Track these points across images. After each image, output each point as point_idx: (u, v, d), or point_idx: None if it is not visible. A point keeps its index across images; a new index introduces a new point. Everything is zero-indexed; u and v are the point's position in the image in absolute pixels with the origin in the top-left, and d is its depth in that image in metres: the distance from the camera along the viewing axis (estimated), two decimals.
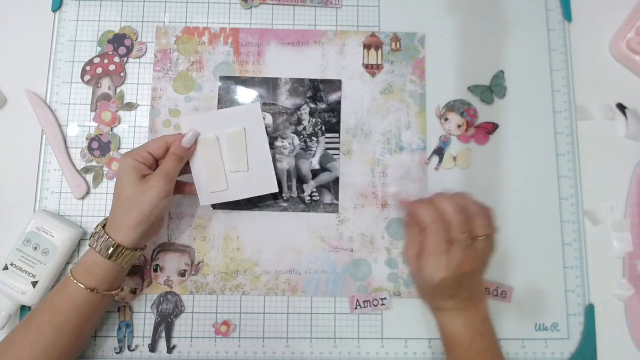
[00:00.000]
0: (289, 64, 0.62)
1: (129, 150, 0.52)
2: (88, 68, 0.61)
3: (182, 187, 0.55)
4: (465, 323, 0.48)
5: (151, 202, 0.49)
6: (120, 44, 0.62)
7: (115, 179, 0.52)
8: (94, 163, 0.60)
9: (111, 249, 0.49)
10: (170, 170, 0.51)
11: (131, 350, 0.56)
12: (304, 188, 0.60)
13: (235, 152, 0.54)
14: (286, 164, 0.60)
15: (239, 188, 0.55)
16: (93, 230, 0.51)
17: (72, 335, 0.49)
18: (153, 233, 0.54)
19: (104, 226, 0.50)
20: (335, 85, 0.62)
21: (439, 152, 0.61)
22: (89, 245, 0.50)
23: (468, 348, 0.48)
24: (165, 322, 0.57)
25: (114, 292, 0.52)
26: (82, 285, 0.49)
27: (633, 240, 0.59)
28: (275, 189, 0.55)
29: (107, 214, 0.58)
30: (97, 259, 0.49)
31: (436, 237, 0.47)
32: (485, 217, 0.48)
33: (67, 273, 0.50)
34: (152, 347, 0.56)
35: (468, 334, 0.48)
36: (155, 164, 0.52)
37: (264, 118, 0.54)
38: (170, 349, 0.57)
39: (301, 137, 0.60)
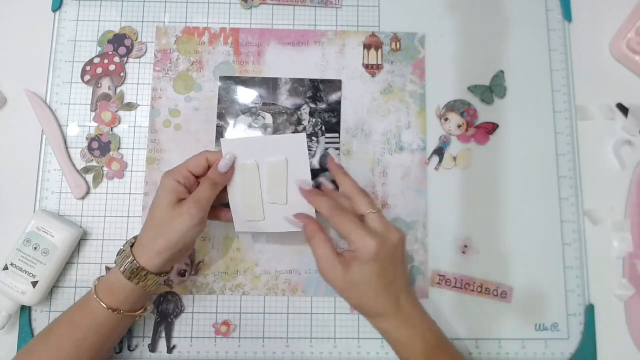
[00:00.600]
0: (289, 64, 0.62)
1: (168, 169, 0.50)
2: (88, 68, 0.61)
3: (218, 212, 0.53)
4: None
5: (180, 230, 0.47)
6: (120, 44, 0.62)
7: (153, 197, 0.50)
8: (94, 163, 0.60)
9: (134, 272, 0.48)
10: (203, 196, 0.49)
11: (131, 350, 0.56)
12: None
13: (274, 183, 0.51)
14: None
15: (276, 221, 0.53)
16: (121, 247, 0.50)
17: (91, 351, 0.49)
18: (181, 258, 0.52)
19: (132, 245, 0.49)
20: (335, 85, 0.62)
21: (439, 152, 0.61)
22: (115, 263, 0.49)
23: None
24: (165, 322, 0.57)
25: (136, 313, 0.50)
26: (104, 305, 0.48)
27: (633, 240, 0.59)
28: None
29: (107, 214, 0.59)
30: (120, 278, 0.48)
31: (351, 215, 0.49)
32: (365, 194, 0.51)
33: (91, 288, 0.49)
34: (152, 347, 0.56)
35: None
36: (196, 183, 0.51)
37: (307, 142, 0.51)
38: (170, 349, 0.57)
39: None
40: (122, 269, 0.48)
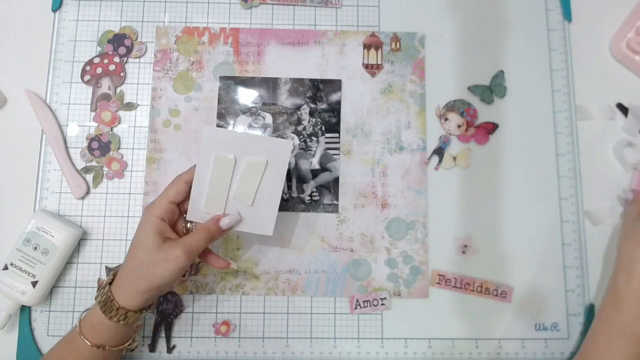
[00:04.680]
0: (289, 64, 0.62)
1: (149, 203, 0.49)
2: (88, 68, 0.61)
3: (205, 254, 0.51)
4: None
5: (163, 276, 0.46)
6: (120, 44, 0.62)
7: (134, 234, 0.49)
8: (94, 163, 0.60)
9: (114, 311, 0.47)
10: (196, 247, 0.47)
11: (131, 350, 0.56)
12: (304, 188, 0.60)
13: (246, 182, 0.50)
14: None
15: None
16: (100, 283, 0.49)
17: None
18: (162, 294, 0.51)
19: (111, 282, 0.48)
20: (335, 85, 0.62)
21: (439, 152, 0.61)
22: (94, 299, 0.49)
23: None
24: (165, 322, 0.57)
25: (122, 347, 0.49)
26: (88, 343, 0.47)
27: None
28: (270, 233, 0.51)
29: (107, 214, 0.59)
30: (101, 318, 0.47)
31: None
32: None
33: (77, 324, 0.48)
34: (152, 347, 0.56)
35: None
36: (178, 211, 0.50)
37: (293, 145, 0.50)
38: (170, 349, 0.57)
39: (301, 137, 0.60)
40: (101, 307, 0.47)
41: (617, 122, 0.62)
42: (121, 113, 0.61)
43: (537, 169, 0.61)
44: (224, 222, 0.49)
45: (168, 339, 0.57)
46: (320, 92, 0.61)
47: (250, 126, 0.61)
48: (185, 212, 0.51)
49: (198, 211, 0.51)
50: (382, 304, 0.58)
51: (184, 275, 0.57)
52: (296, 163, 0.60)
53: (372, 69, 0.62)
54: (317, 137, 0.61)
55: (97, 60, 0.62)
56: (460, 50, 0.63)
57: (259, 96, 0.61)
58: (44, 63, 0.62)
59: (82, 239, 0.58)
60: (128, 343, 0.50)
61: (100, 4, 0.63)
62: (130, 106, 0.61)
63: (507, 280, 0.58)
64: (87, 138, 0.60)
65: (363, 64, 0.62)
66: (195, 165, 0.50)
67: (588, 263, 0.59)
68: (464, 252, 0.59)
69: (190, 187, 0.49)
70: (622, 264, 0.52)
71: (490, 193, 0.60)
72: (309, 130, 0.61)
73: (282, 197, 0.59)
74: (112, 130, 0.61)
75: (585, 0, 0.64)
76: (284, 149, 0.50)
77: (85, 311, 0.51)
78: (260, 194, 0.51)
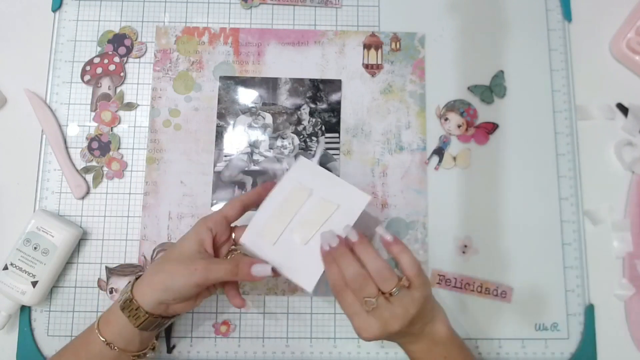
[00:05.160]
0: (289, 64, 0.62)
1: (206, 215, 0.50)
2: (88, 68, 0.61)
3: (228, 286, 0.51)
4: (423, 351, 0.48)
5: (175, 282, 0.46)
6: (120, 44, 0.62)
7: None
8: (94, 163, 0.60)
9: (127, 303, 0.46)
10: (215, 272, 0.46)
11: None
12: None
13: (311, 220, 0.48)
14: (286, 164, 0.60)
15: (280, 257, 0.48)
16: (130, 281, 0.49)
17: None
18: (180, 309, 0.49)
19: (134, 281, 0.48)
20: (335, 85, 0.62)
21: (439, 152, 0.61)
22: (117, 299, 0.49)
23: None
24: None
25: (131, 353, 0.48)
26: (101, 337, 0.47)
27: (633, 240, 0.59)
28: (309, 289, 0.48)
29: (107, 214, 0.59)
30: (115, 308, 0.47)
31: (351, 297, 0.45)
32: (387, 271, 0.45)
33: (95, 324, 0.48)
34: (152, 347, 0.56)
35: None
36: (226, 230, 0.50)
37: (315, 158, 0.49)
38: (170, 349, 0.57)
39: (301, 137, 0.60)
40: (120, 304, 0.47)
41: (617, 122, 0.62)
42: (121, 113, 0.61)
43: (537, 169, 0.61)
44: (256, 269, 0.47)
45: (168, 338, 0.57)
46: (320, 92, 0.61)
47: (250, 126, 0.61)
48: (235, 238, 0.51)
49: (252, 234, 0.49)
50: None
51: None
52: None
53: (372, 69, 0.62)
54: (317, 137, 0.61)
55: (97, 60, 0.62)
56: (460, 50, 0.63)
57: (259, 96, 0.61)
58: (44, 63, 0.62)
59: (82, 239, 0.58)
60: (143, 352, 0.49)
61: (100, 4, 0.63)
62: (130, 106, 0.61)
63: (507, 280, 0.58)
64: (87, 138, 0.60)
65: (363, 64, 0.62)
66: (254, 189, 0.51)
67: (588, 263, 0.59)
68: (464, 252, 0.59)
69: (244, 210, 0.50)
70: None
71: (490, 193, 0.60)
72: (309, 130, 0.61)
73: None
74: (112, 130, 0.61)
75: (585, 0, 0.65)
76: (360, 201, 0.49)
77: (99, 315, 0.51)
78: (316, 238, 0.48)
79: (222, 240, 0.50)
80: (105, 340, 0.47)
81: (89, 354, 0.47)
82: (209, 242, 0.48)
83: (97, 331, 0.47)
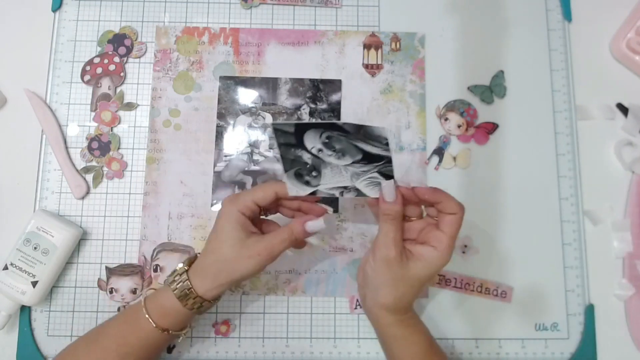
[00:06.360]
0: (289, 64, 0.62)
1: (231, 195, 0.49)
2: (88, 68, 0.61)
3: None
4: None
5: (244, 273, 0.47)
6: (120, 44, 0.62)
7: (214, 225, 0.48)
8: (94, 163, 0.60)
9: (191, 300, 0.47)
10: (278, 247, 0.47)
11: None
12: None
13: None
14: None
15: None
16: (176, 269, 0.49)
17: None
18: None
19: (188, 269, 0.48)
20: (335, 85, 0.62)
21: (439, 152, 0.61)
22: (168, 284, 0.49)
23: None
24: None
25: (182, 332, 0.50)
26: (154, 325, 0.48)
27: (633, 240, 0.59)
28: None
29: (107, 214, 0.59)
30: (174, 303, 0.48)
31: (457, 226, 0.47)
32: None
33: (141, 304, 0.48)
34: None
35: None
36: (259, 212, 0.49)
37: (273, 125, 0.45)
38: (170, 349, 0.57)
39: None
40: (177, 293, 0.47)
41: (617, 122, 0.62)
42: (121, 113, 0.61)
43: (537, 169, 0.61)
44: (311, 225, 0.48)
45: None
46: (320, 92, 0.61)
47: (250, 126, 0.61)
48: (266, 212, 0.51)
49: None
50: None
51: None
52: None
53: (372, 69, 0.62)
54: None
55: (97, 60, 0.62)
56: (460, 50, 0.63)
57: (259, 96, 0.61)
58: (44, 63, 0.62)
59: (82, 239, 0.58)
60: (185, 331, 0.51)
61: (100, 4, 0.63)
62: (130, 106, 0.61)
63: (507, 280, 0.58)
64: (87, 138, 0.60)
65: (363, 64, 0.62)
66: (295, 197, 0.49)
67: (588, 263, 0.59)
68: (464, 252, 0.59)
69: (278, 201, 0.49)
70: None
71: (490, 193, 0.60)
72: None
73: None
74: (112, 130, 0.61)
75: (585, 0, 0.64)
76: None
77: (149, 289, 0.54)
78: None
79: (254, 218, 0.49)
80: (162, 328, 0.48)
81: (140, 339, 0.48)
82: (249, 223, 0.48)
83: (149, 320, 0.48)
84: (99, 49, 0.62)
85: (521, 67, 0.63)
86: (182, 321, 0.49)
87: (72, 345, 0.50)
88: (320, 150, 0.46)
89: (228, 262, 0.47)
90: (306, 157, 0.46)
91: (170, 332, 0.49)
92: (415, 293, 0.48)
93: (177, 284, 0.48)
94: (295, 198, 0.49)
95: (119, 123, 0.61)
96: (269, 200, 0.48)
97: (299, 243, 0.51)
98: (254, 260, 0.46)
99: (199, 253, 0.50)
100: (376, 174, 0.46)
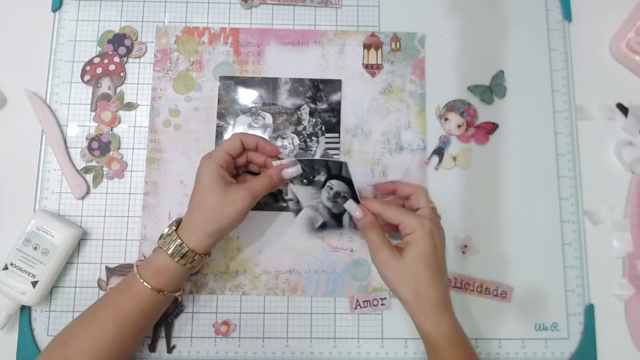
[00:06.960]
0: (289, 64, 0.62)
1: (206, 154, 0.53)
2: (88, 68, 0.61)
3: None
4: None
5: (232, 217, 0.50)
6: (120, 44, 0.62)
7: (195, 183, 0.52)
8: (94, 163, 0.60)
9: (184, 255, 0.49)
10: (260, 191, 0.51)
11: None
12: None
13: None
14: None
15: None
16: (164, 232, 0.51)
17: (133, 333, 0.50)
18: (222, 239, 0.55)
19: (176, 229, 0.50)
20: (335, 85, 0.62)
21: (439, 152, 0.61)
22: (159, 246, 0.50)
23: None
24: (165, 322, 0.57)
25: (177, 294, 0.52)
26: (149, 286, 0.49)
27: (633, 240, 0.59)
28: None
29: (107, 214, 0.59)
30: (167, 262, 0.49)
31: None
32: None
33: (133, 271, 0.50)
34: (152, 347, 0.56)
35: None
36: (233, 164, 0.53)
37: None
38: (170, 349, 0.57)
39: (301, 137, 0.60)
40: (169, 252, 0.49)
41: (617, 122, 0.62)
42: (121, 113, 0.61)
43: (537, 169, 0.61)
44: (287, 173, 0.53)
45: (168, 339, 0.57)
46: (320, 92, 0.61)
47: (250, 126, 0.61)
48: (239, 167, 0.55)
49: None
50: (382, 304, 0.58)
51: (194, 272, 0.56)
52: None
53: (372, 69, 0.62)
54: (317, 137, 0.61)
55: (97, 60, 0.62)
56: (460, 50, 0.63)
57: (259, 96, 0.61)
58: (44, 63, 0.62)
59: (82, 239, 0.58)
60: (179, 293, 0.52)
61: (100, 4, 0.63)
62: (130, 106, 0.61)
63: (507, 280, 0.58)
64: (87, 138, 0.60)
65: (363, 64, 0.62)
66: (253, 136, 0.54)
67: (588, 263, 0.59)
68: (464, 252, 0.59)
69: (243, 147, 0.53)
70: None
71: (490, 193, 0.60)
72: (309, 130, 0.61)
73: (282, 197, 0.59)
74: (112, 130, 0.61)
75: (585, 0, 0.65)
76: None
77: (138, 260, 0.56)
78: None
79: (230, 169, 0.53)
80: (157, 289, 0.49)
81: (136, 304, 0.50)
82: (227, 174, 0.51)
83: (142, 282, 0.49)
84: (99, 49, 0.62)
85: (521, 67, 0.63)
86: (176, 281, 0.51)
87: (67, 326, 0.50)
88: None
89: (215, 211, 0.49)
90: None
91: (165, 292, 0.50)
92: (429, 279, 0.48)
93: (169, 244, 0.49)
94: (254, 137, 0.54)
95: (119, 123, 0.61)
96: (237, 148, 0.52)
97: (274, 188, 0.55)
98: (238, 205, 0.50)
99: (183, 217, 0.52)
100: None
